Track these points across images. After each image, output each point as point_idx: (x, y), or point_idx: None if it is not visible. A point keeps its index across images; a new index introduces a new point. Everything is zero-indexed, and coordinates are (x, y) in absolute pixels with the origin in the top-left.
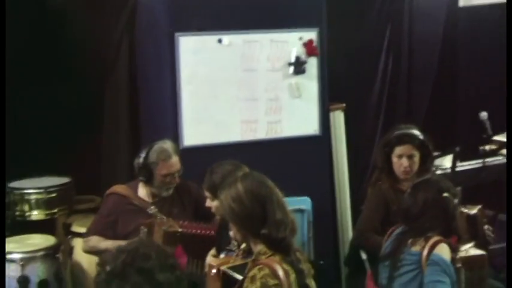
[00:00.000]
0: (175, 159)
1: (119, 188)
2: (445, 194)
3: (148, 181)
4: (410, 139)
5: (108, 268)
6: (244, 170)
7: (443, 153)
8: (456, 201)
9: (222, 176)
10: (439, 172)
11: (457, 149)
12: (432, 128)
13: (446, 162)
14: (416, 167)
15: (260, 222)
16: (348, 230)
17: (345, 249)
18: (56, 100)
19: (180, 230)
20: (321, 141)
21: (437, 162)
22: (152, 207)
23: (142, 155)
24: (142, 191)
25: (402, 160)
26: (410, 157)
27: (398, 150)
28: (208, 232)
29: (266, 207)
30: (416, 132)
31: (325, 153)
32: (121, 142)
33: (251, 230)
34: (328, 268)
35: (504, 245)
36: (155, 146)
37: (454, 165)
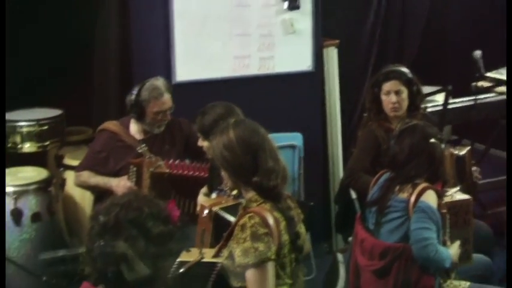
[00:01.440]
0: (166, 97)
1: (111, 125)
2: (432, 140)
3: (140, 118)
4: (398, 75)
5: (101, 221)
6: (236, 113)
7: (435, 92)
8: (443, 146)
9: (214, 119)
10: (430, 109)
11: (449, 87)
12: (424, 65)
13: (438, 97)
14: (404, 104)
15: (251, 170)
16: (338, 167)
17: (335, 186)
18: (47, 32)
19: (167, 171)
20: (314, 78)
21: (429, 98)
22: (142, 145)
23: (134, 92)
24: (134, 128)
25: (390, 96)
26: (398, 93)
27: (385, 86)
28: (197, 173)
29: (258, 155)
30: (404, 69)
31: (318, 89)
32: (112, 76)
33: (242, 177)
34: (317, 205)
35: (492, 179)
36: (147, 83)
37: (446, 103)
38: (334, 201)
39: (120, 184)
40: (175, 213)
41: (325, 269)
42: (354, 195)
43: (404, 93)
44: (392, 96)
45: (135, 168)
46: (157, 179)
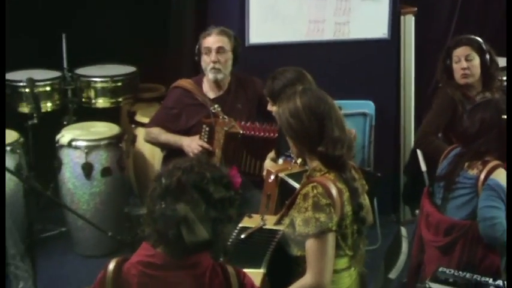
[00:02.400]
0: (214, 36)
1: (184, 82)
2: (504, 116)
3: (199, 64)
4: (468, 41)
5: (163, 184)
6: (307, 79)
7: None
8: None
9: (284, 84)
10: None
11: None
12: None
13: None
14: (476, 71)
15: (317, 139)
16: (410, 138)
17: (405, 157)
18: None
19: (241, 131)
20: (390, 45)
21: None
22: (216, 105)
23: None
24: (207, 86)
25: (460, 63)
26: (468, 60)
27: (456, 52)
28: (268, 135)
29: (324, 124)
30: (476, 37)
31: (393, 57)
32: (187, 36)
33: (307, 146)
34: (386, 175)
35: None
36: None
37: None
38: (404, 171)
39: (192, 144)
40: (237, 180)
41: (391, 239)
42: (423, 167)
43: (476, 60)
44: (463, 62)
45: (207, 128)
46: (230, 139)
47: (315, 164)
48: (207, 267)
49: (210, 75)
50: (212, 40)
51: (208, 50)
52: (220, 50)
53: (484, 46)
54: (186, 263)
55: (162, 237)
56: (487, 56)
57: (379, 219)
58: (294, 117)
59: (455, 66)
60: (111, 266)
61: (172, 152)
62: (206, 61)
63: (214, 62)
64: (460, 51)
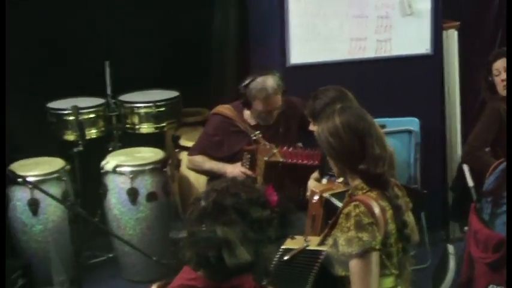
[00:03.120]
0: (274, 99)
1: (223, 109)
2: None
3: (247, 108)
4: (505, 52)
5: (200, 206)
6: (348, 97)
7: None
8: None
9: (325, 103)
10: None
11: None
12: None
13: None
14: None
15: (358, 157)
16: (457, 154)
17: (452, 173)
18: (163, 18)
19: (281, 160)
20: (433, 61)
21: None
22: (257, 132)
23: (245, 83)
24: (247, 112)
25: (500, 75)
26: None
27: (495, 66)
28: (310, 162)
29: (364, 141)
30: None
31: (437, 73)
32: (229, 57)
33: (348, 164)
34: (434, 192)
35: None
36: (258, 79)
37: None
38: (451, 188)
39: (235, 171)
40: (274, 198)
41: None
42: (470, 183)
43: None
44: (502, 73)
45: (249, 155)
46: (271, 167)
47: (357, 182)
48: None
49: (261, 122)
50: (270, 103)
51: (266, 110)
52: (277, 108)
53: None
54: (228, 286)
55: (203, 260)
56: None
57: (428, 237)
58: (333, 136)
59: (496, 79)
60: None
61: (216, 177)
62: (261, 116)
63: (271, 118)
64: (498, 64)
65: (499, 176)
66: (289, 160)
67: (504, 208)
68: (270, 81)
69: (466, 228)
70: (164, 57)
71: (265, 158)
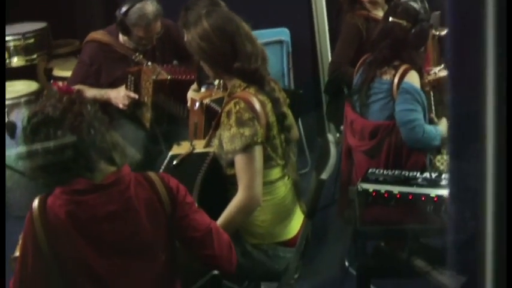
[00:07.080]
0: (154, 25)
1: (98, 35)
2: (400, 21)
3: (126, 35)
4: None
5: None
6: (221, 6)
7: None
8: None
9: (198, 14)
10: None
11: None
12: None
13: None
14: None
15: (231, 56)
16: (327, 59)
17: (324, 77)
18: None
19: (169, 77)
20: None
21: None
22: (137, 53)
23: (123, 9)
24: (124, 37)
25: None
26: None
27: None
28: (190, 77)
29: (235, 41)
30: None
31: None
32: None
33: (223, 66)
34: (308, 96)
35: None
36: (137, 5)
37: None
38: (324, 91)
39: (120, 95)
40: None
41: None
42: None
43: None
44: None
45: (133, 78)
46: (160, 86)
47: (234, 81)
48: (129, 180)
49: (140, 48)
50: (151, 29)
51: (147, 37)
52: (157, 33)
53: None
54: (108, 182)
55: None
56: None
57: (307, 144)
58: (204, 39)
59: None
60: (35, 203)
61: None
62: (141, 42)
63: (150, 43)
64: None
65: (364, 69)
66: (177, 76)
67: (374, 98)
68: (150, 7)
69: (342, 127)
70: None
71: (153, 77)
